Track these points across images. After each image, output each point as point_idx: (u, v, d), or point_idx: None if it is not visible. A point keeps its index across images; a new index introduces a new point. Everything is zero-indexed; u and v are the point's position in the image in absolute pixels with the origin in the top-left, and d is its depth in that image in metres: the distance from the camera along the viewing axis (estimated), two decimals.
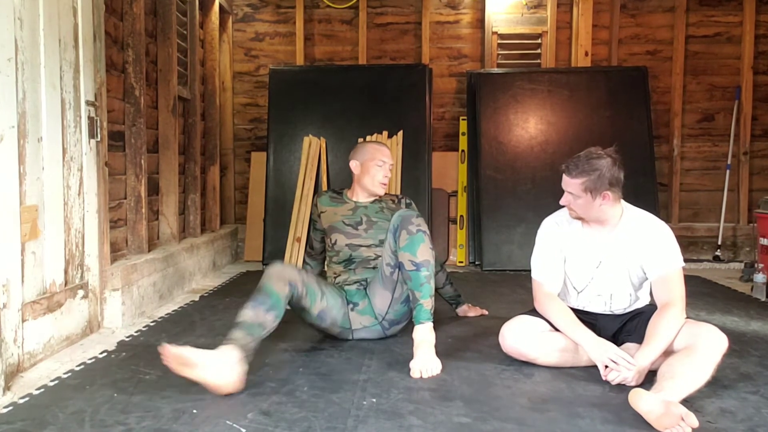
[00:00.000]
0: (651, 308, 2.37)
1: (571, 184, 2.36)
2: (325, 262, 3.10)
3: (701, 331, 2.14)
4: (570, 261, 2.46)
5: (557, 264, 2.47)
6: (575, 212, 2.41)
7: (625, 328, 2.43)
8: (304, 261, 3.23)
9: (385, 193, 2.99)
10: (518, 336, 2.38)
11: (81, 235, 2.83)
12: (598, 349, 2.23)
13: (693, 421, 1.77)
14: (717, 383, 2.17)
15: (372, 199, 2.96)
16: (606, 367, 2.20)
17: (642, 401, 1.87)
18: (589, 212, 2.37)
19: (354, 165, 2.95)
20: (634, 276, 2.40)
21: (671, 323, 2.19)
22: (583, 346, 2.28)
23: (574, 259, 2.45)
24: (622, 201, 2.43)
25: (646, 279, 2.40)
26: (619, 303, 2.44)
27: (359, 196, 2.97)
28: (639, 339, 2.29)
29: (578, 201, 2.36)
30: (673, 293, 2.26)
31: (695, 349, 2.06)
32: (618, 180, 2.33)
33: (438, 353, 2.43)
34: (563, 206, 2.46)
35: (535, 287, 2.49)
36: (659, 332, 2.18)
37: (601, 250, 2.41)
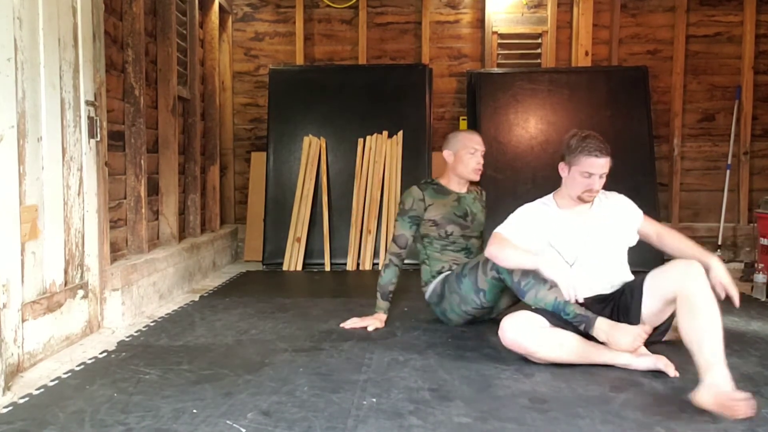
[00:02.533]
0: (632, 284, 2.49)
1: (606, 164, 2.47)
2: (430, 251, 3.10)
3: (679, 273, 2.22)
4: (559, 239, 2.54)
5: (526, 233, 2.54)
6: (596, 193, 2.51)
7: (617, 309, 2.49)
8: (391, 263, 3.08)
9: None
10: (519, 329, 2.37)
11: (81, 235, 2.83)
12: (556, 269, 2.32)
13: (742, 395, 1.84)
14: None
15: (465, 189, 3.16)
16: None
17: (699, 399, 1.93)
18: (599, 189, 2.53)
19: (447, 155, 3.15)
20: (617, 244, 2.58)
21: (678, 236, 2.57)
22: (542, 269, 2.35)
23: (564, 237, 2.54)
24: None
25: (626, 246, 2.61)
26: (607, 274, 2.54)
27: (455, 185, 3.15)
28: (635, 320, 2.40)
29: (602, 180, 2.49)
30: (658, 224, 2.65)
31: (689, 299, 2.12)
32: None
33: (438, 353, 2.43)
34: (595, 192, 2.51)
35: (492, 237, 2.53)
36: (683, 241, 2.52)
37: (588, 224, 2.55)
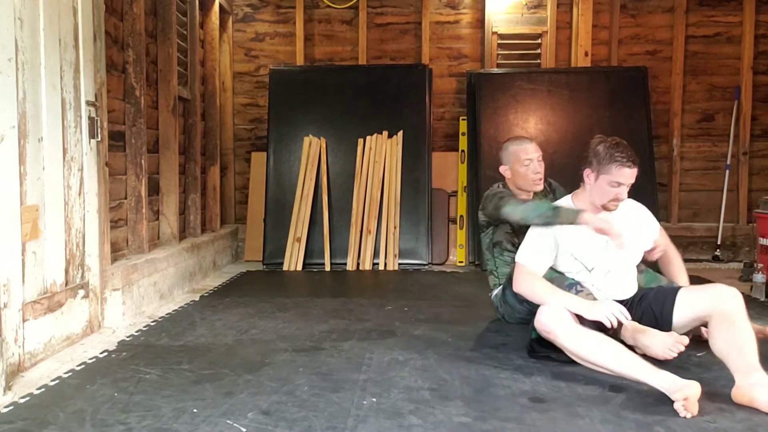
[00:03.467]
0: (661, 293, 2.52)
1: (635, 174, 2.47)
2: (499, 262, 3.04)
3: (719, 293, 2.30)
4: (581, 248, 2.53)
5: (546, 253, 2.53)
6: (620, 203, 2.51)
7: (641, 314, 2.49)
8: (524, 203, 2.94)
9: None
10: (554, 321, 2.30)
11: (81, 235, 2.83)
12: (595, 308, 2.32)
13: None
14: (716, 383, 2.18)
15: (532, 196, 3.02)
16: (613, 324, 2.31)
17: (753, 395, 1.97)
18: None
19: (504, 170, 3.01)
20: (634, 251, 2.58)
21: (679, 260, 2.78)
22: (579, 311, 2.32)
23: (585, 245, 2.52)
24: None
25: (642, 254, 2.63)
26: (624, 280, 2.57)
27: (522, 195, 2.99)
28: (664, 329, 2.40)
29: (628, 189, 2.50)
30: (667, 239, 2.77)
31: (728, 315, 2.18)
32: None
33: (438, 353, 2.43)
34: (621, 201, 2.50)
35: (516, 269, 2.53)
36: (680, 264, 2.74)
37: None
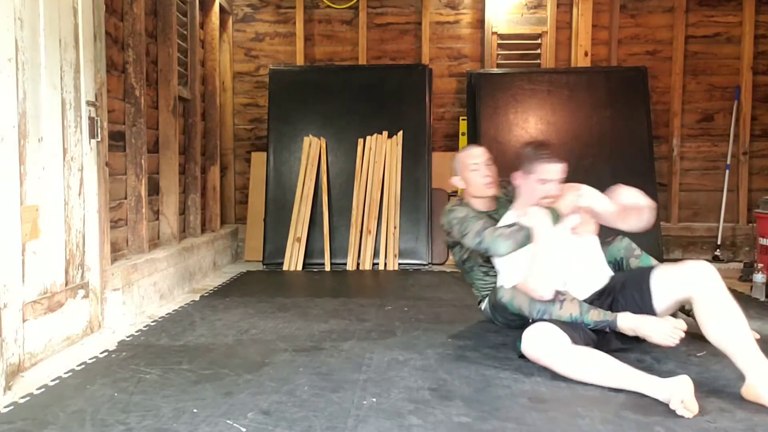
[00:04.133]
0: (634, 279, 2.50)
1: (562, 169, 2.55)
2: (475, 278, 2.97)
3: (693, 276, 2.26)
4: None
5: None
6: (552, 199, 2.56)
7: (623, 303, 2.47)
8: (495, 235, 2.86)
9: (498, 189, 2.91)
10: (540, 347, 2.28)
11: (81, 235, 2.84)
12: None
13: None
14: (716, 382, 2.18)
15: (493, 205, 2.91)
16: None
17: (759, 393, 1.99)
18: None
19: (456, 181, 2.92)
20: (590, 236, 2.64)
21: None
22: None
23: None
24: None
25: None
26: (594, 264, 2.60)
27: (480, 205, 2.89)
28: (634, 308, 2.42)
29: (558, 186, 2.55)
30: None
31: (713, 301, 2.17)
32: None
33: (438, 353, 2.43)
34: (552, 197, 2.55)
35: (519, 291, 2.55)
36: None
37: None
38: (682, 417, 1.89)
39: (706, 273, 2.24)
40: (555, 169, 2.53)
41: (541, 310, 2.43)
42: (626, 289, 2.50)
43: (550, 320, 2.37)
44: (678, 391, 1.93)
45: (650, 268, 2.50)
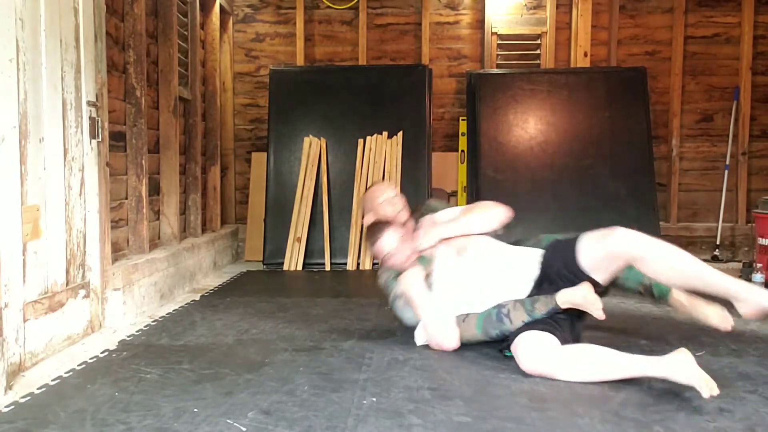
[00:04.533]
0: (564, 260, 2.43)
1: (380, 248, 2.70)
2: None
3: (617, 248, 2.26)
4: (451, 279, 2.61)
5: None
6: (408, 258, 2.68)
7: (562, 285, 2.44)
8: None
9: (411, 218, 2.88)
10: (533, 358, 2.27)
11: (82, 235, 2.84)
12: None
13: None
14: (715, 382, 2.18)
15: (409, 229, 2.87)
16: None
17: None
18: None
19: (368, 219, 2.88)
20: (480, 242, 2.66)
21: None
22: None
23: (450, 273, 2.62)
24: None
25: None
26: (512, 270, 2.55)
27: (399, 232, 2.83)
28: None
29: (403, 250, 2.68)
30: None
31: (657, 260, 2.19)
32: None
33: (438, 353, 2.43)
34: (406, 259, 2.65)
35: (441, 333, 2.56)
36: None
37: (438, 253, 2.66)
38: (681, 417, 1.90)
39: (627, 238, 2.24)
40: (387, 244, 2.64)
41: (498, 332, 2.43)
42: (561, 272, 2.44)
43: (529, 327, 2.35)
44: (684, 371, 1.97)
45: (574, 249, 2.39)
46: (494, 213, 2.68)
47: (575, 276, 2.36)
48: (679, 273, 2.18)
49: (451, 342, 2.51)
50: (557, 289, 2.37)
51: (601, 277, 2.37)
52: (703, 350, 2.49)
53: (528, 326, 2.34)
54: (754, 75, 5.38)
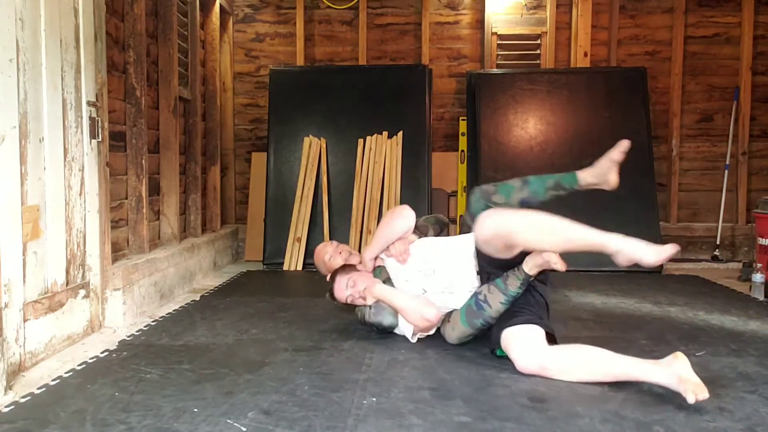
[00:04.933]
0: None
1: (345, 282, 2.83)
2: None
3: (492, 228, 2.36)
4: (410, 280, 2.74)
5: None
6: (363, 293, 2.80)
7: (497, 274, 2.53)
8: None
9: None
10: (529, 358, 2.28)
11: (82, 235, 2.84)
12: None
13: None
14: (715, 382, 2.19)
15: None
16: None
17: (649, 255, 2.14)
18: None
19: (327, 276, 2.98)
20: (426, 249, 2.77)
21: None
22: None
23: (408, 278, 2.75)
24: None
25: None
26: (458, 264, 2.63)
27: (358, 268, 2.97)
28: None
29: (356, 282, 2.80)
30: None
31: (523, 231, 2.29)
32: None
33: (438, 353, 2.43)
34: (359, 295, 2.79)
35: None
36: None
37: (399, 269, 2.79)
38: (681, 417, 1.90)
39: (489, 220, 2.34)
40: (340, 289, 2.78)
41: (482, 321, 2.48)
42: (492, 265, 2.54)
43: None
44: (684, 376, 1.97)
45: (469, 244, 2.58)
46: (396, 214, 2.82)
47: (500, 262, 2.46)
48: (553, 237, 2.25)
49: (431, 311, 2.56)
50: (503, 272, 2.47)
51: (510, 254, 2.42)
52: (703, 350, 2.49)
53: (510, 319, 2.37)
54: (754, 75, 5.38)
